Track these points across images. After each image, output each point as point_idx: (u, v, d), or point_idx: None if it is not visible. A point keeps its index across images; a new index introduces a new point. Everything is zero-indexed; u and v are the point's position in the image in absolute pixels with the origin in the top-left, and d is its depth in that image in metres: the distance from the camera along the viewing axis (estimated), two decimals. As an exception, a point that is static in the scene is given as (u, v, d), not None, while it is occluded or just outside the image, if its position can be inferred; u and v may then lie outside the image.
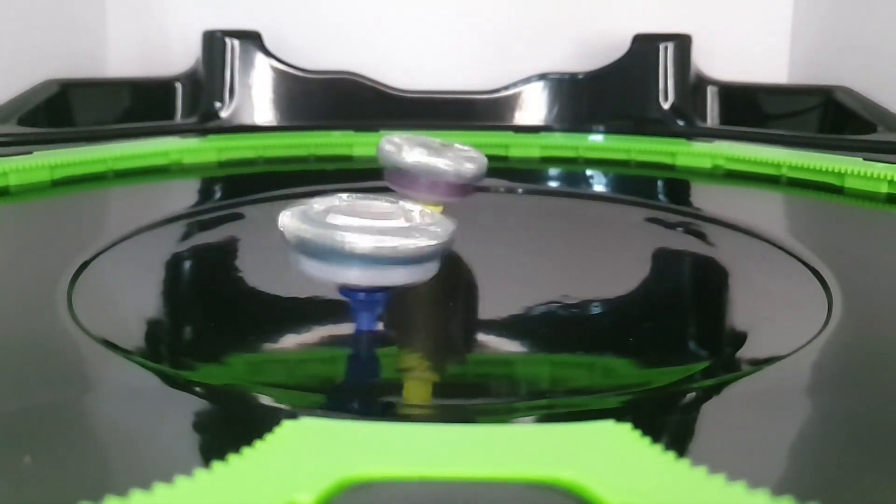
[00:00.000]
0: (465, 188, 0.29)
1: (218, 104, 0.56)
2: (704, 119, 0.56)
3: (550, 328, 0.25)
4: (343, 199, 0.22)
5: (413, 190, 0.29)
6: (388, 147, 0.29)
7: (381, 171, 0.30)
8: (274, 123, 0.56)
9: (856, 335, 0.22)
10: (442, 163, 0.28)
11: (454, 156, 0.29)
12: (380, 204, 0.22)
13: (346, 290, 0.21)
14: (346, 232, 0.19)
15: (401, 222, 0.20)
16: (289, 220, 0.21)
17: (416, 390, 0.20)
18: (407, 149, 0.28)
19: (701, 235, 0.33)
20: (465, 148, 0.30)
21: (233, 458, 0.12)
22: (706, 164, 0.45)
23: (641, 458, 0.13)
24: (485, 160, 0.29)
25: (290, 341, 0.23)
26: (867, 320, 0.23)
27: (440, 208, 0.29)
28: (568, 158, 0.48)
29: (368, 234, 0.19)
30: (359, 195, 0.22)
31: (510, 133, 0.52)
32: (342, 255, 0.19)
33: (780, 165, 0.42)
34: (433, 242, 0.20)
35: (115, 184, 0.41)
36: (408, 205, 0.22)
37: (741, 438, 0.16)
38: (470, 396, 0.20)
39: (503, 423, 0.18)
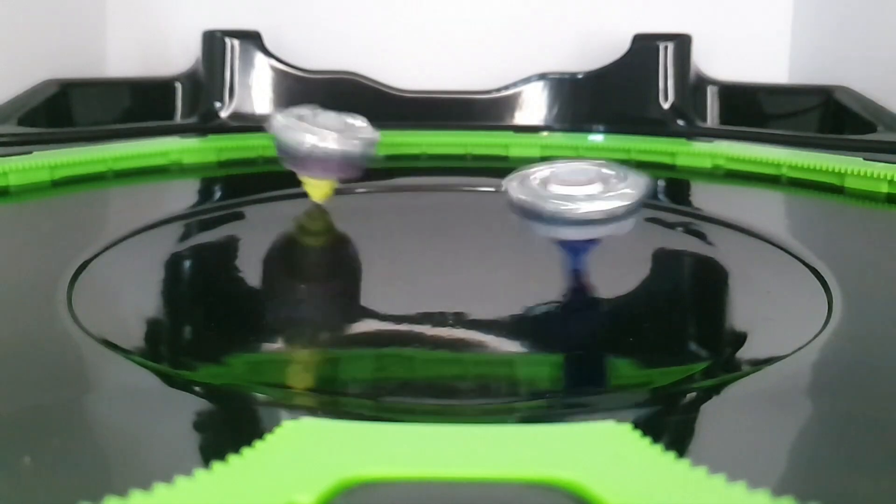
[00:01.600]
0: (356, 168, 0.33)
1: (218, 104, 0.56)
2: (704, 119, 0.56)
3: (551, 328, 0.25)
4: (552, 166, 0.27)
5: (304, 170, 0.32)
6: (278, 125, 0.32)
7: (383, 170, 0.30)
8: (274, 123, 0.56)
9: (856, 335, 0.22)
10: (330, 143, 0.32)
11: (344, 135, 0.32)
12: (584, 169, 0.26)
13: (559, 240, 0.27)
14: (564, 201, 0.25)
15: (600, 186, 0.25)
16: (514, 189, 0.26)
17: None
18: (296, 129, 0.32)
19: (701, 235, 0.33)
20: (361, 125, 0.34)
21: (233, 459, 0.12)
22: (706, 163, 0.45)
23: (641, 458, 0.13)
24: (376, 137, 0.33)
25: (290, 341, 0.23)
26: (867, 320, 0.23)
27: (332, 186, 0.33)
28: (568, 158, 0.48)
29: (583, 202, 0.25)
30: (561, 162, 0.27)
31: (510, 133, 0.52)
32: (561, 219, 0.25)
33: (780, 165, 0.42)
34: (628, 203, 0.25)
35: (115, 184, 0.41)
36: (604, 168, 0.26)
37: (741, 439, 0.16)
38: (470, 396, 0.20)
39: (503, 423, 0.18)
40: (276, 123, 0.32)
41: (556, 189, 0.26)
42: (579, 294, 0.28)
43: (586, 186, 0.25)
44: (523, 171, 0.27)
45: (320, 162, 0.31)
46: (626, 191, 0.25)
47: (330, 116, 0.34)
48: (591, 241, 0.26)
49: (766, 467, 0.15)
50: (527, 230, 0.26)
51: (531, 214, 0.25)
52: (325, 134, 0.32)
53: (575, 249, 0.27)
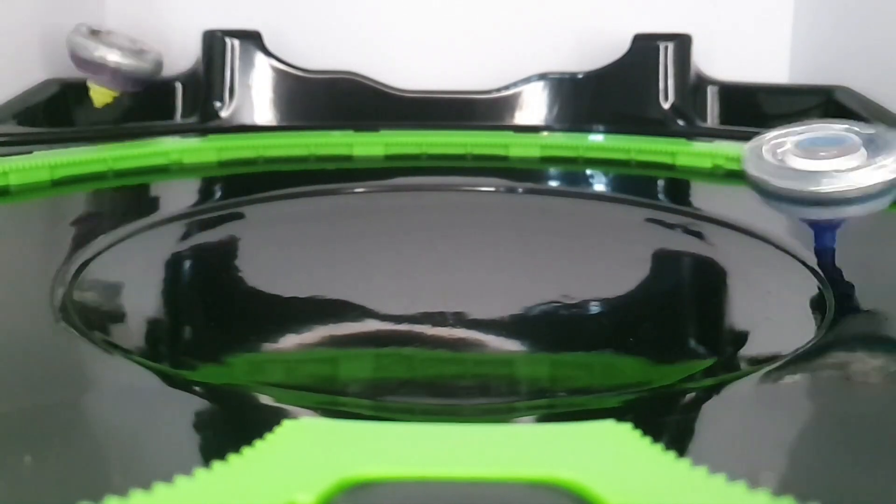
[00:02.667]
0: (138, 82, 0.39)
1: (218, 104, 0.56)
2: (704, 119, 0.56)
3: (550, 328, 0.25)
4: (795, 132, 0.23)
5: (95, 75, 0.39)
6: (77, 39, 0.37)
7: (383, 170, 0.30)
8: (274, 123, 0.56)
9: (856, 336, 0.22)
10: (116, 57, 0.36)
11: (130, 52, 0.37)
12: (835, 134, 0.23)
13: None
14: (818, 181, 0.21)
15: (851, 160, 0.22)
16: (757, 169, 0.23)
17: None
18: (93, 44, 0.37)
19: (701, 235, 0.33)
20: (147, 49, 0.38)
21: (233, 458, 0.12)
22: (706, 164, 0.45)
23: (642, 457, 0.13)
24: (159, 58, 0.37)
25: (290, 341, 0.23)
26: (867, 321, 0.23)
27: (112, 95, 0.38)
28: (568, 158, 0.48)
29: (824, 178, 0.21)
30: (797, 126, 0.24)
31: (510, 133, 0.52)
32: (803, 196, 0.22)
33: (780, 165, 0.42)
34: (884, 179, 0.21)
35: (115, 184, 0.41)
36: (862, 129, 0.23)
37: (742, 438, 0.16)
38: (470, 396, 0.20)
39: (503, 423, 0.18)
40: (74, 37, 0.36)
41: (805, 164, 0.22)
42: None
43: (842, 159, 0.22)
44: (757, 143, 0.24)
45: (110, 72, 0.36)
46: (888, 162, 0.21)
47: (120, 37, 0.39)
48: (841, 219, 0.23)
49: (767, 467, 0.15)
50: (770, 208, 0.23)
51: (782, 197, 0.22)
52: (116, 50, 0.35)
53: (825, 227, 0.24)
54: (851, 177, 0.21)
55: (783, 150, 0.23)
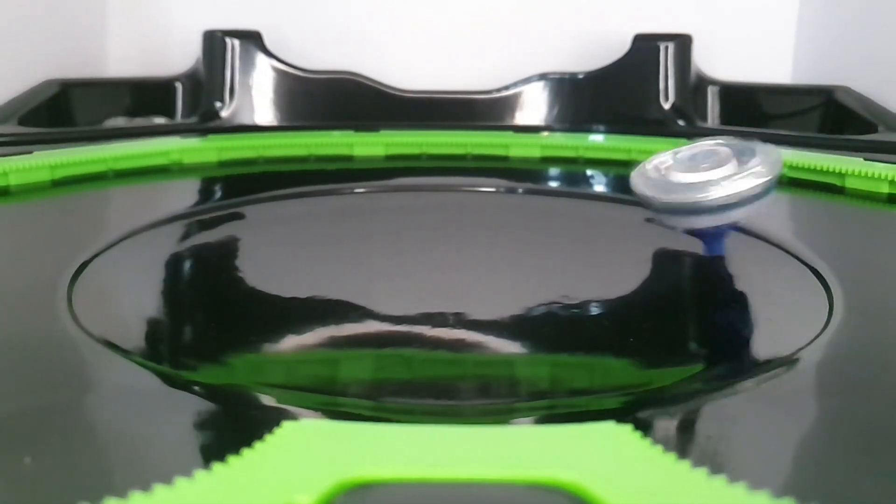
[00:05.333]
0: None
1: (218, 104, 0.56)
2: (705, 119, 0.56)
3: (551, 329, 0.25)
4: (676, 152, 0.25)
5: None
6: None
7: (383, 170, 0.30)
8: (274, 123, 0.56)
9: (856, 336, 0.22)
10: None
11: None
12: (711, 150, 0.24)
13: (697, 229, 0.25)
14: (696, 192, 0.23)
15: (727, 169, 0.24)
16: (643, 186, 0.25)
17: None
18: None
19: (701, 235, 0.33)
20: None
21: (232, 460, 0.12)
22: (706, 164, 0.45)
23: (642, 459, 0.13)
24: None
25: (290, 341, 0.23)
26: (868, 321, 0.23)
27: None
28: (568, 158, 0.48)
29: (715, 190, 0.23)
30: (685, 149, 0.25)
31: (510, 133, 0.52)
32: (695, 208, 0.23)
33: (780, 165, 0.42)
34: (758, 183, 0.23)
35: (115, 184, 0.41)
36: (736, 144, 0.25)
37: (742, 439, 0.16)
38: (470, 397, 0.20)
39: (503, 425, 0.18)
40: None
41: (685, 177, 0.24)
42: (723, 282, 0.26)
43: (717, 170, 0.23)
44: (643, 164, 0.26)
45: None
46: (759, 168, 0.23)
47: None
48: (730, 225, 0.25)
49: (767, 468, 0.15)
50: (660, 224, 0.25)
51: (664, 209, 0.24)
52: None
53: (712, 236, 0.25)
54: (728, 184, 0.23)
55: (666, 168, 0.25)
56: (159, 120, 0.56)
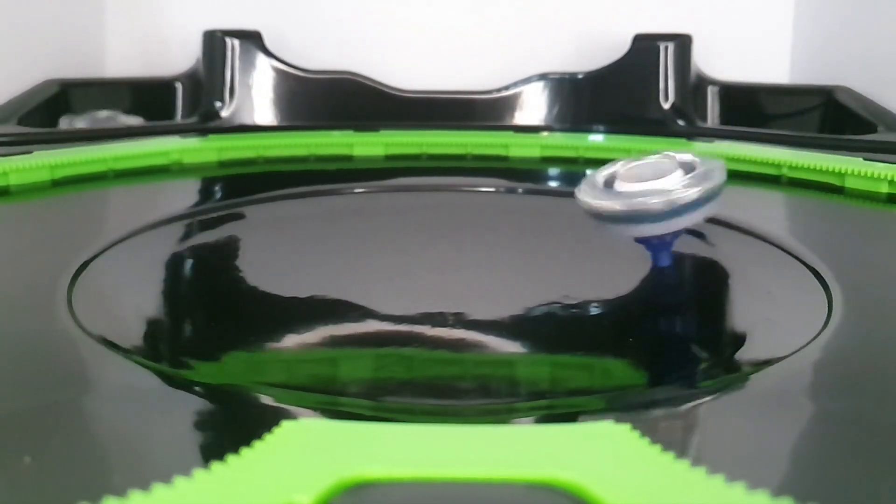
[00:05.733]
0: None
1: (218, 104, 0.56)
2: (705, 119, 0.56)
3: (550, 328, 0.25)
4: (618, 166, 0.26)
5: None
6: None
7: (383, 170, 0.30)
8: (274, 123, 0.56)
9: (856, 336, 0.22)
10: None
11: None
12: (656, 162, 0.25)
13: (640, 238, 0.25)
14: (638, 198, 0.24)
15: (672, 177, 0.24)
16: (586, 195, 0.25)
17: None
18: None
19: (701, 235, 0.33)
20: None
21: (231, 459, 0.12)
22: (706, 164, 0.45)
23: (641, 458, 0.13)
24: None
25: (289, 341, 0.23)
26: (867, 321, 0.23)
27: None
28: (568, 158, 0.48)
29: (657, 197, 0.23)
30: (634, 159, 0.26)
31: (510, 133, 0.52)
32: (638, 216, 0.24)
33: (780, 165, 0.42)
34: (708, 187, 0.24)
35: (115, 184, 0.41)
36: (680, 156, 0.25)
37: (741, 439, 0.16)
38: (469, 397, 0.20)
39: (502, 424, 0.18)
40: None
41: (628, 187, 0.25)
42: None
43: (660, 180, 0.24)
44: (590, 175, 0.26)
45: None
46: (701, 176, 0.24)
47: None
48: (673, 234, 0.25)
49: (766, 468, 0.15)
50: (605, 234, 0.25)
51: (607, 217, 0.25)
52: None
53: (658, 246, 0.26)
54: (669, 193, 0.24)
55: (611, 179, 0.25)
56: (132, 120, 0.56)
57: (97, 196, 0.39)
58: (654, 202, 0.23)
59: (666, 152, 0.26)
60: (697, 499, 0.12)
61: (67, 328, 0.21)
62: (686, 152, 0.26)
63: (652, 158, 0.26)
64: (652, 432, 0.13)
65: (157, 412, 0.17)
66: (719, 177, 0.24)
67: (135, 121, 0.55)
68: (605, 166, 0.26)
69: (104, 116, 0.55)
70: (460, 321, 0.24)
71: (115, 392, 0.18)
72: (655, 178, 0.24)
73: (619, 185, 0.25)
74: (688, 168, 0.25)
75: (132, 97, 0.58)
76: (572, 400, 0.20)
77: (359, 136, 0.50)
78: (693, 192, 0.23)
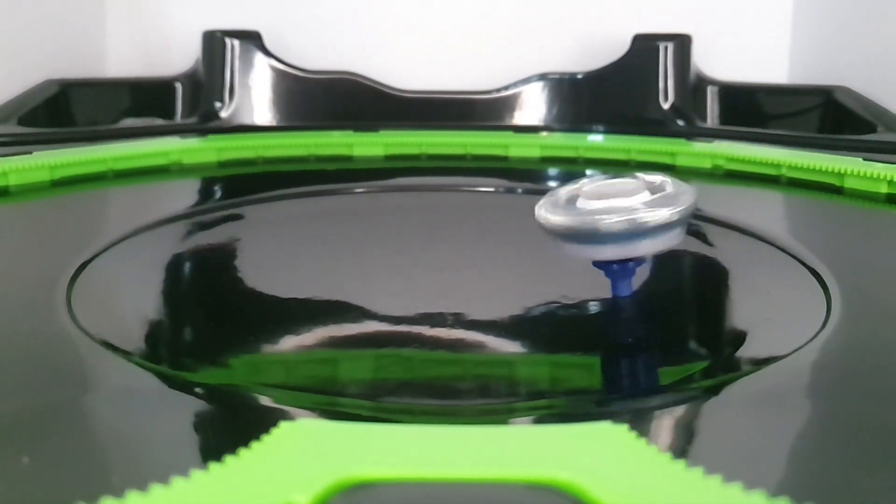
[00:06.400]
0: None
1: (218, 104, 0.56)
2: (704, 119, 0.56)
3: (549, 329, 0.25)
4: (584, 183, 0.24)
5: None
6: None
7: (383, 170, 0.30)
8: (274, 123, 0.56)
9: (855, 336, 0.22)
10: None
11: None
12: (622, 182, 0.23)
13: (599, 263, 0.24)
14: (597, 216, 0.22)
15: (640, 197, 0.22)
16: (544, 210, 0.23)
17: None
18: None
19: (701, 235, 0.33)
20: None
21: (229, 460, 0.12)
22: (706, 164, 0.45)
23: (638, 458, 0.13)
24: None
25: (289, 341, 0.23)
26: (866, 321, 0.23)
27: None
28: (568, 158, 0.48)
29: (613, 214, 0.22)
30: (601, 177, 0.24)
31: (510, 133, 0.52)
32: (597, 236, 0.22)
33: (779, 165, 0.42)
34: (672, 211, 0.22)
35: (115, 184, 0.41)
36: (648, 177, 0.24)
37: (738, 439, 0.16)
38: (468, 397, 0.20)
39: (501, 424, 0.18)
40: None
41: (589, 204, 0.23)
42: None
43: (623, 199, 0.22)
44: (553, 192, 0.24)
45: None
46: (669, 198, 0.22)
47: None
48: (636, 262, 0.23)
49: (763, 468, 0.15)
50: (562, 254, 0.23)
51: (564, 234, 0.23)
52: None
53: (618, 273, 0.24)
54: (632, 213, 0.22)
55: (574, 196, 0.24)
56: (129, 120, 0.56)
57: (97, 196, 0.39)
58: (613, 221, 0.21)
59: (636, 173, 0.24)
60: (695, 499, 0.12)
61: (66, 328, 0.21)
62: (658, 174, 0.24)
63: (620, 178, 0.24)
64: (649, 432, 0.13)
65: (155, 412, 0.17)
66: (688, 201, 0.22)
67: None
68: (570, 184, 0.25)
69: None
70: (459, 321, 0.24)
71: (113, 392, 0.18)
72: (619, 196, 0.23)
73: (581, 203, 0.23)
74: (656, 190, 0.23)
75: (132, 97, 0.58)
76: (571, 400, 0.20)
77: (359, 136, 0.50)
78: (658, 214, 0.22)
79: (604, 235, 0.22)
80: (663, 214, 0.22)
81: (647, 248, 0.22)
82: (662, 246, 0.22)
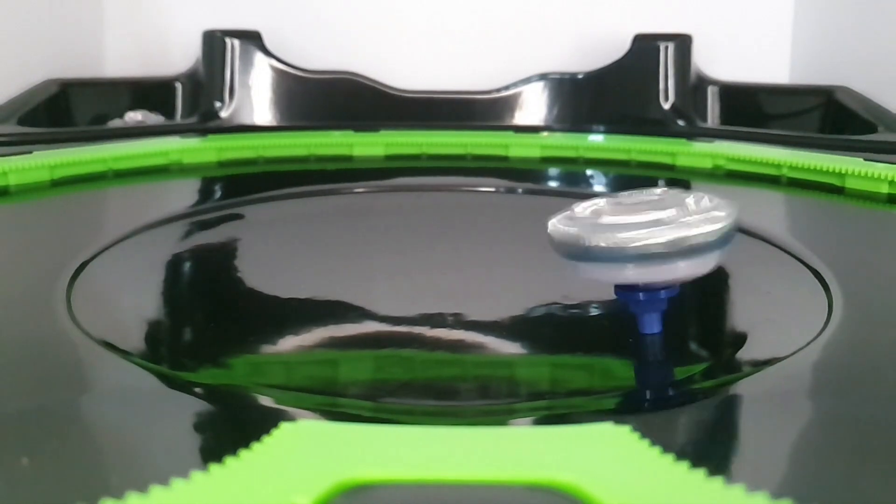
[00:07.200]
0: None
1: (218, 104, 0.56)
2: (705, 119, 0.56)
3: (549, 329, 0.25)
4: (609, 200, 0.21)
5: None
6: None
7: (383, 170, 0.30)
8: (274, 123, 0.56)
9: (856, 336, 0.22)
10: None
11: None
12: (648, 196, 0.21)
13: (623, 292, 0.20)
14: (624, 231, 0.19)
15: (673, 212, 0.19)
16: (557, 225, 0.20)
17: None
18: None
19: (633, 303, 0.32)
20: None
21: (230, 461, 0.12)
22: (706, 164, 0.45)
23: (640, 460, 0.13)
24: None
25: (289, 342, 0.23)
26: (867, 321, 0.23)
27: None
28: (568, 158, 0.48)
29: (641, 229, 0.19)
30: (625, 193, 0.22)
31: (510, 133, 0.52)
32: (616, 253, 0.19)
33: (780, 165, 0.42)
34: (711, 229, 0.19)
35: (115, 184, 0.41)
36: (681, 193, 0.21)
37: (740, 440, 0.16)
38: (468, 398, 0.20)
39: (501, 426, 0.18)
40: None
41: (613, 219, 0.19)
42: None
43: (655, 212, 0.19)
44: (566, 210, 0.21)
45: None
46: (712, 215, 0.19)
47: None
48: (667, 290, 0.20)
49: (765, 469, 0.15)
50: (579, 277, 0.20)
51: (579, 253, 0.20)
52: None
53: (645, 304, 0.20)
54: (679, 227, 0.19)
55: (596, 210, 0.21)
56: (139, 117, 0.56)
57: (97, 196, 0.39)
58: (657, 239, 0.18)
59: (666, 188, 0.22)
60: (697, 500, 0.12)
61: (66, 328, 0.21)
62: (686, 191, 0.21)
63: (647, 192, 0.21)
64: (651, 433, 0.13)
65: (156, 413, 0.17)
66: (731, 217, 0.19)
67: (157, 119, 0.56)
68: (584, 202, 0.22)
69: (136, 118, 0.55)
70: (460, 322, 0.24)
71: (113, 393, 0.18)
72: (654, 209, 0.19)
73: (610, 218, 0.20)
74: (693, 202, 0.20)
75: (132, 97, 0.58)
76: (571, 401, 0.20)
77: (359, 136, 0.49)
78: (706, 231, 0.19)
79: (632, 254, 0.19)
80: (713, 231, 0.19)
81: (684, 270, 0.19)
82: (701, 269, 0.19)
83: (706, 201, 0.20)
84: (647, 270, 0.19)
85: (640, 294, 0.20)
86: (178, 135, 0.50)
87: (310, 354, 0.22)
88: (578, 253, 0.20)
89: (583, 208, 0.21)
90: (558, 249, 0.20)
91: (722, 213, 0.19)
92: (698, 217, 0.19)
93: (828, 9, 0.59)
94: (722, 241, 0.19)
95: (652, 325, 0.21)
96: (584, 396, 0.20)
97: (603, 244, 0.19)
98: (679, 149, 0.46)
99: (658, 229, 0.19)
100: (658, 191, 0.21)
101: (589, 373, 0.22)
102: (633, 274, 0.19)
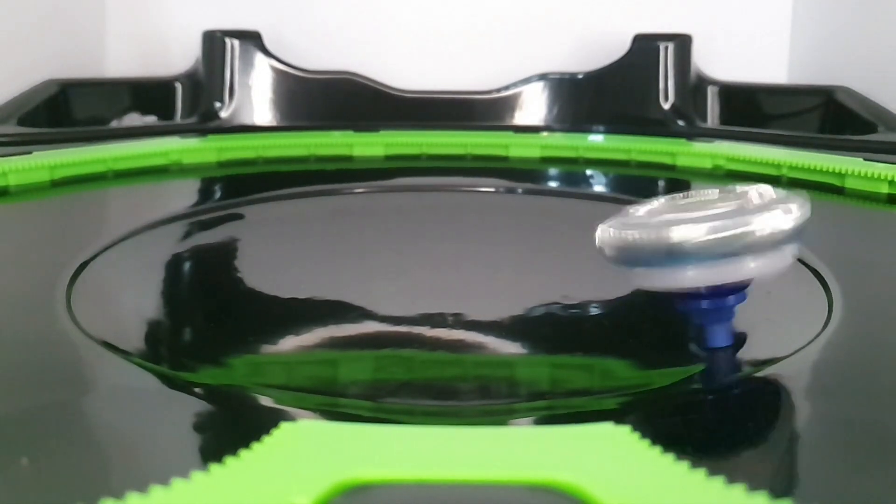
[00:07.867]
0: None
1: (218, 104, 0.56)
2: (705, 119, 0.56)
3: (550, 329, 0.25)
4: (663, 200, 0.20)
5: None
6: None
7: (383, 170, 0.30)
8: (274, 123, 0.56)
9: (856, 336, 0.22)
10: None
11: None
12: (706, 196, 0.19)
13: (684, 302, 0.18)
14: (676, 229, 0.17)
15: (737, 206, 0.18)
16: (608, 230, 0.19)
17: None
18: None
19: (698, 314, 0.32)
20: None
21: (230, 461, 0.12)
22: (706, 164, 0.45)
23: (640, 460, 0.13)
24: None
25: (289, 342, 0.23)
26: (867, 321, 0.23)
27: None
28: (568, 158, 0.48)
29: (698, 224, 0.17)
30: (678, 194, 0.20)
31: (510, 133, 0.52)
32: (676, 253, 0.17)
33: (780, 165, 0.42)
34: (782, 222, 0.17)
35: (115, 184, 0.41)
36: (743, 187, 0.19)
37: (740, 440, 0.16)
38: (468, 398, 0.20)
39: (501, 426, 0.18)
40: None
41: (670, 216, 0.18)
42: (737, 396, 0.19)
43: (714, 209, 0.18)
44: (624, 210, 0.20)
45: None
46: (776, 210, 0.17)
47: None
48: (736, 295, 0.18)
49: (766, 469, 0.15)
50: (634, 284, 0.19)
51: (634, 258, 0.18)
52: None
53: (711, 313, 0.19)
54: (753, 218, 0.17)
55: (653, 210, 0.19)
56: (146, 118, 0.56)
57: (96, 196, 0.39)
58: (723, 233, 0.16)
59: (729, 186, 0.20)
60: (697, 500, 0.12)
61: (66, 329, 0.21)
62: (749, 185, 0.20)
63: (704, 191, 0.19)
64: (652, 434, 0.13)
65: (156, 413, 0.17)
66: (803, 210, 0.18)
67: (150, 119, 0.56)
68: (636, 205, 0.20)
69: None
70: (460, 322, 0.24)
71: (113, 393, 0.18)
72: (719, 204, 0.18)
73: (665, 217, 0.18)
74: (756, 198, 0.18)
75: (132, 97, 0.58)
76: (571, 401, 0.20)
77: (359, 136, 0.49)
78: (776, 224, 0.17)
79: (694, 253, 0.17)
80: (778, 223, 0.17)
81: (754, 270, 0.17)
82: (772, 267, 0.17)
83: (773, 194, 0.19)
84: (712, 272, 0.17)
85: (704, 302, 0.18)
86: (178, 135, 0.50)
87: (310, 354, 0.22)
88: (633, 258, 0.18)
89: (635, 210, 0.20)
90: (610, 256, 0.19)
91: (793, 206, 0.18)
92: (766, 212, 0.18)
93: (827, 9, 0.59)
94: (793, 235, 0.17)
95: (720, 337, 0.19)
96: (584, 396, 0.20)
97: (661, 242, 0.17)
98: (679, 149, 0.46)
99: (721, 223, 0.17)
100: (715, 189, 0.20)
101: (589, 373, 0.22)
102: (696, 276, 0.17)
